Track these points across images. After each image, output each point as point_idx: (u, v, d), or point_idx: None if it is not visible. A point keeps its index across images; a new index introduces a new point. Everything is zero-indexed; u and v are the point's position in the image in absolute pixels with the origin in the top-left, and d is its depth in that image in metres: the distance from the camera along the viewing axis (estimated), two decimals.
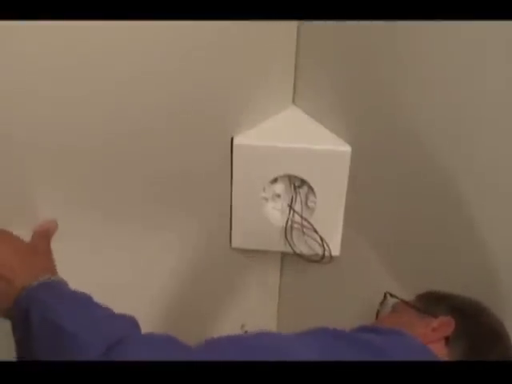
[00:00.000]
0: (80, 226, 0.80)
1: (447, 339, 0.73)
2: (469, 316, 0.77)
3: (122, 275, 0.90)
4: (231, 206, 1.01)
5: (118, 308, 0.66)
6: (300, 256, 1.04)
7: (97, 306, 0.66)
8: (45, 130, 0.69)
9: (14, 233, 0.71)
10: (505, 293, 0.79)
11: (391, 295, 0.86)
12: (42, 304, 0.63)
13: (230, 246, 1.06)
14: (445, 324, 0.74)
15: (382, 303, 0.86)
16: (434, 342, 0.72)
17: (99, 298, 0.67)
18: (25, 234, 0.72)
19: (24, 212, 0.74)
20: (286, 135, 0.96)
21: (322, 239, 1.00)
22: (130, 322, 0.64)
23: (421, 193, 0.87)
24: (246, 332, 1.20)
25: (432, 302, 0.81)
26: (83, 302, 0.65)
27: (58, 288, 0.66)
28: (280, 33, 0.90)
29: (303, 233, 1.01)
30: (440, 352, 0.71)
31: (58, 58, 0.65)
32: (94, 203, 0.80)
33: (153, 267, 0.95)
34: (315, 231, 1.00)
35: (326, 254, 1.01)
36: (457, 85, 0.74)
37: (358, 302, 0.97)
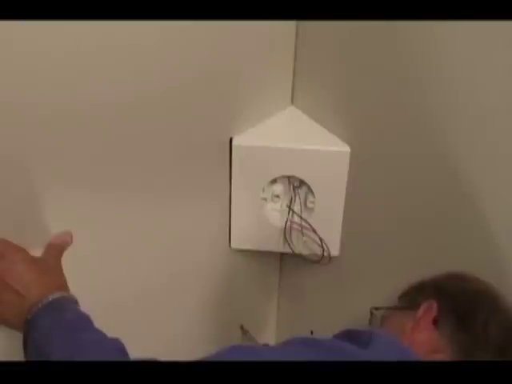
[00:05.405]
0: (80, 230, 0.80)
1: (436, 321, 0.72)
2: (448, 289, 0.77)
3: (122, 274, 0.90)
4: (230, 206, 1.01)
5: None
6: (299, 256, 1.04)
7: (90, 331, 0.68)
8: (45, 127, 0.70)
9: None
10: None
11: (376, 308, 0.85)
12: (38, 334, 0.66)
13: (230, 246, 1.06)
14: (427, 308, 0.73)
15: (371, 320, 0.86)
16: (424, 329, 0.72)
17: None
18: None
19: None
20: (284, 136, 0.96)
21: (321, 240, 1.00)
22: (117, 349, 0.66)
23: (420, 193, 0.87)
24: (246, 331, 1.20)
25: (414, 295, 0.80)
26: (78, 328, 0.68)
27: (58, 312, 0.69)
28: (278, 33, 0.90)
29: (302, 233, 1.01)
30: (431, 336, 0.71)
31: (61, 52, 0.66)
32: (94, 205, 0.80)
33: (153, 268, 0.95)
34: (314, 232, 1.00)
35: (325, 254, 1.01)
36: (457, 83, 0.74)
37: (358, 302, 0.97)
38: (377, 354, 0.61)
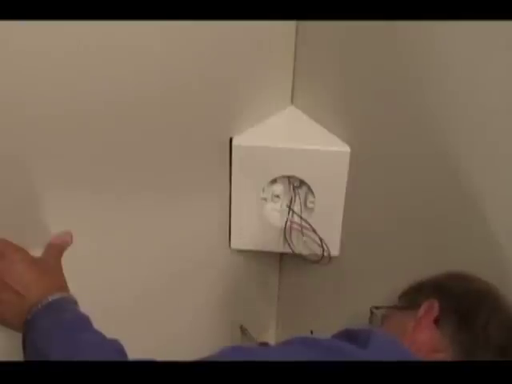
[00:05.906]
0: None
1: (437, 321, 0.72)
2: (450, 289, 0.77)
3: (122, 275, 0.90)
4: (230, 206, 1.01)
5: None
6: (299, 256, 1.04)
7: (89, 331, 0.68)
8: (45, 127, 0.69)
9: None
10: None
11: (376, 308, 0.85)
12: (37, 335, 0.66)
13: (230, 246, 1.06)
14: (429, 307, 0.73)
15: (371, 319, 0.85)
16: (425, 329, 0.71)
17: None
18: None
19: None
20: (284, 136, 0.96)
21: (321, 240, 1.00)
22: (115, 350, 0.66)
23: (420, 193, 0.87)
24: (245, 331, 1.20)
25: (414, 294, 0.80)
26: (77, 328, 0.68)
27: (58, 312, 0.69)
28: (278, 33, 0.90)
29: (302, 233, 1.01)
30: (432, 336, 0.71)
31: (61, 52, 0.65)
32: (94, 205, 0.80)
33: (153, 268, 0.95)
34: (314, 232, 1.00)
35: (325, 254, 1.01)
36: (457, 83, 0.74)
37: (358, 302, 0.97)
38: (376, 354, 0.61)
